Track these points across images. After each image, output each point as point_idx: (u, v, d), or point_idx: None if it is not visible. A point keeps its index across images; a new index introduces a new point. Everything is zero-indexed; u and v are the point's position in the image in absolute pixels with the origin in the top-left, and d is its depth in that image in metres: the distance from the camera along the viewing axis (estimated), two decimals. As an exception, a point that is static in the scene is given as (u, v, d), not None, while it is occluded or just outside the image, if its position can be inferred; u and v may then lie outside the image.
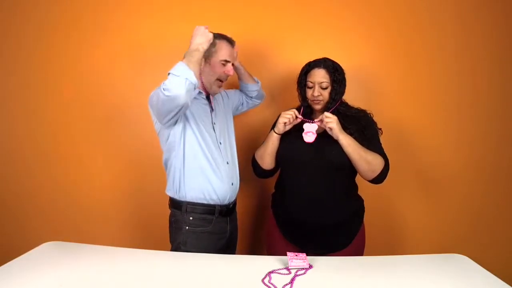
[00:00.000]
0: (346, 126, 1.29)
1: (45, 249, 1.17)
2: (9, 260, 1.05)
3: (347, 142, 1.24)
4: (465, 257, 1.17)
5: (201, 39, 1.23)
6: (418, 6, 1.77)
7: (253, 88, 1.61)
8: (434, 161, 1.83)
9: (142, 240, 1.85)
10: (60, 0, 1.79)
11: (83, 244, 1.20)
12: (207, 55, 1.35)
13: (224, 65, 1.36)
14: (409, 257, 1.20)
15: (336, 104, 1.33)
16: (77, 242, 1.22)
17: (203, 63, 1.36)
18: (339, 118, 1.27)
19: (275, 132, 1.35)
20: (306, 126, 1.30)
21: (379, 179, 1.29)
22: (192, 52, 1.21)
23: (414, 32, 1.78)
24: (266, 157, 1.39)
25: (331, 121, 1.23)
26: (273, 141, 1.36)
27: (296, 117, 1.32)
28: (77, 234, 1.84)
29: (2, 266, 1.01)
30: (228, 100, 1.59)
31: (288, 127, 1.33)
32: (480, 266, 1.10)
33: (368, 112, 1.38)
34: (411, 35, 1.78)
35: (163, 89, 1.13)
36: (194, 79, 1.15)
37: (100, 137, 1.83)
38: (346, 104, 1.39)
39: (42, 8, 1.80)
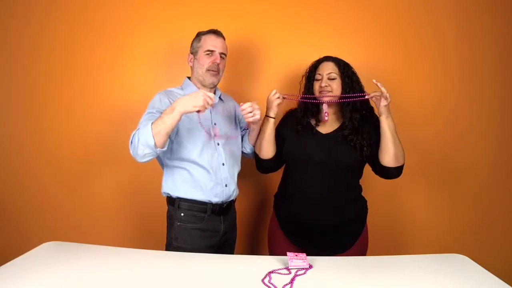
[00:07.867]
0: (359, 133, 1.27)
1: (45, 249, 1.17)
2: (9, 260, 1.05)
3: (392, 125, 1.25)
4: (465, 257, 1.17)
5: (189, 101, 1.16)
6: (418, 6, 1.77)
7: (248, 150, 1.51)
8: (435, 162, 1.84)
9: (142, 239, 1.85)
10: (60, 0, 1.79)
11: (83, 244, 1.20)
12: (195, 52, 1.39)
13: (209, 55, 1.36)
14: (409, 257, 1.20)
15: (351, 99, 1.28)
16: (77, 242, 1.21)
17: (192, 60, 1.40)
18: (355, 124, 1.27)
19: (270, 117, 1.32)
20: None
21: (398, 170, 1.28)
22: (166, 116, 1.15)
23: (413, 32, 1.78)
24: (264, 144, 1.35)
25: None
26: (270, 126, 1.33)
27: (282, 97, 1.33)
28: (77, 234, 1.83)
29: (2, 266, 1.01)
30: (238, 112, 1.56)
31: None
32: (480, 266, 1.10)
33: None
34: (411, 34, 1.78)
35: (130, 141, 1.19)
36: (153, 150, 1.16)
37: (100, 137, 1.83)
38: (371, 110, 1.36)
39: (42, 9, 1.79)
